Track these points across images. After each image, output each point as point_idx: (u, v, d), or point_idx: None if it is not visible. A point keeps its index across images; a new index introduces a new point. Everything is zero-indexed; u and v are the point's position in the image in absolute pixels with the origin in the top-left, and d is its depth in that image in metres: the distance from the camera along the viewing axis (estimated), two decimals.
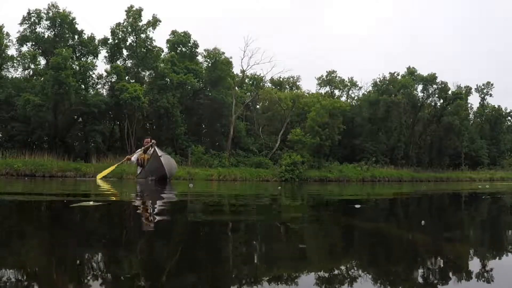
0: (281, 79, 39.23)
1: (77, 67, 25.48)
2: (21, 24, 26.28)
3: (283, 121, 32.87)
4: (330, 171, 28.28)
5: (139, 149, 11.81)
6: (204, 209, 4.12)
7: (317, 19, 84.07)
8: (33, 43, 26.90)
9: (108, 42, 28.06)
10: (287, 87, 40.85)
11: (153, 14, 28.15)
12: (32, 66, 28.10)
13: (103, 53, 28.37)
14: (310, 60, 67.08)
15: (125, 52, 28.60)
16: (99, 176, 12.94)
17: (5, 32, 26.40)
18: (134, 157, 11.81)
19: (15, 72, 28.05)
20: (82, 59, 27.15)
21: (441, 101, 37.66)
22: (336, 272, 1.44)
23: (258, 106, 37.29)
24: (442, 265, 1.63)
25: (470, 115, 43.69)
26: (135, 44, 27.98)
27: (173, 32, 30.21)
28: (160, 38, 57.03)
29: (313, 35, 76.92)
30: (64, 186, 8.19)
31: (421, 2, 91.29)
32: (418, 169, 34.42)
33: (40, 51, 27.22)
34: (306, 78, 77.00)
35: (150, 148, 11.32)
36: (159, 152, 11.38)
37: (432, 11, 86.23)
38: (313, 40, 75.29)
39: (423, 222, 2.95)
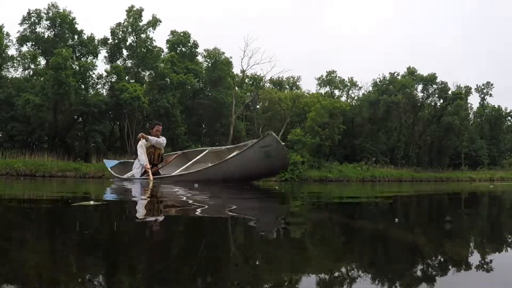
0: (281, 79, 39.28)
1: (77, 67, 25.50)
2: (21, 24, 26.34)
3: (283, 121, 32.88)
4: (330, 171, 28.28)
5: (139, 146, 8.01)
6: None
7: (317, 19, 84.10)
8: (33, 43, 26.93)
9: (108, 42, 28.09)
10: (287, 87, 40.88)
11: (153, 14, 28.21)
12: (32, 66, 28.13)
13: (103, 53, 28.43)
14: (310, 60, 67.07)
15: (125, 52, 28.63)
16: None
17: (5, 32, 26.43)
18: (144, 159, 7.89)
19: (15, 72, 28.13)
20: (82, 59, 27.18)
21: (441, 101, 37.68)
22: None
23: (258, 106, 37.30)
24: None
25: (470, 115, 43.70)
26: (135, 44, 28.00)
27: (173, 32, 30.24)
28: (160, 38, 57.17)
29: (313, 35, 76.95)
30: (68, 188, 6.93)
31: (421, 2, 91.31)
32: (418, 169, 34.43)
33: (40, 51, 27.24)
34: (306, 78, 77.06)
35: (145, 141, 8.03)
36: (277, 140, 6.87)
37: (432, 11, 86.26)
38: (313, 40, 75.30)
39: (396, 219, 2.84)
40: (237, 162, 6.76)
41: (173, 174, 7.99)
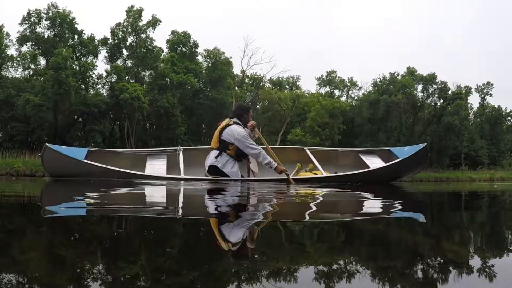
0: (281, 79, 39.31)
1: (77, 67, 25.53)
2: (21, 24, 26.36)
3: (283, 121, 32.89)
4: None
5: (247, 137, 5.69)
6: None
7: (317, 19, 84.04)
8: (33, 43, 26.95)
9: (108, 42, 28.12)
10: (287, 87, 40.92)
11: (153, 14, 28.27)
12: (32, 66, 28.15)
13: (103, 53, 28.48)
14: (310, 60, 67.03)
15: (125, 52, 28.67)
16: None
17: (5, 32, 26.45)
18: (269, 157, 5.75)
19: (15, 72, 28.15)
20: (82, 59, 27.20)
21: (441, 101, 37.68)
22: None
23: (258, 106, 37.32)
24: None
25: (470, 115, 43.70)
26: (135, 44, 28.03)
27: (173, 32, 30.28)
28: (160, 38, 57.10)
29: (313, 35, 76.79)
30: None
31: (421, 2, 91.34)
32: None
33: (40, 51, 27.26)
34: (306, 78, 76.97)
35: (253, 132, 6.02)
36: None
37: (432, 11, 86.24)
38: (313, 40, 75.19)
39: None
40: (395, 167, 7.02)
41: (332, 175, 6.48)
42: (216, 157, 5.63)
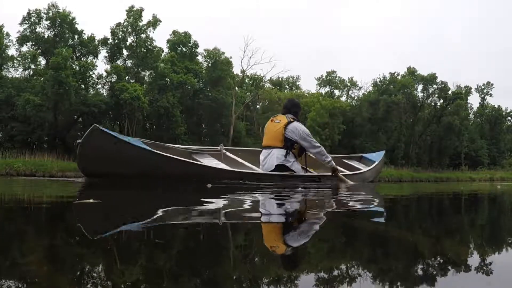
0: (280, 79, 39.30)
1: (77, 67, 25.54)
2: (21, 24, 26.36)
3: None
4: None
5: (310, 135, 5.64)
6: None
7: (317, 19, 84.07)
8: (33, 43, 26.94)
9: (108, 42, 28.12)
10: (287, 87, 40.93)
11: (153, 14, 28.29)
12: (32, 66, 28.12)
13: (103, 53, 28.48)
14: (310, 60, 67.05)
15: (125, 52, 28.67)
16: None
17: (5, 32, 26.45)
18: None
19: (15, 72, 28.11)
20: (82, 59, 27.20)
21: (441, 101, 37.74)
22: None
23: (258, 106, 37.32)
24: None
25: (470, 115, 43.75)
26: (135, 44, 28.03)
27: (174, 32, 30.29)
28: (160, 38, 57.06)
29: (313, 35, 76.84)
30: None
31: (421, 3, 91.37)
32: (418, 169, 34.43)
33: (40, 51, 27.25)
34: (306, 78, 77.02)
35: None
36: None
37: (432, 11, 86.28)
38: (313, 40, 75.21)
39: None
40: (378, 168, 7.91)
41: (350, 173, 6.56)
42: (285, 156, 5.38)
